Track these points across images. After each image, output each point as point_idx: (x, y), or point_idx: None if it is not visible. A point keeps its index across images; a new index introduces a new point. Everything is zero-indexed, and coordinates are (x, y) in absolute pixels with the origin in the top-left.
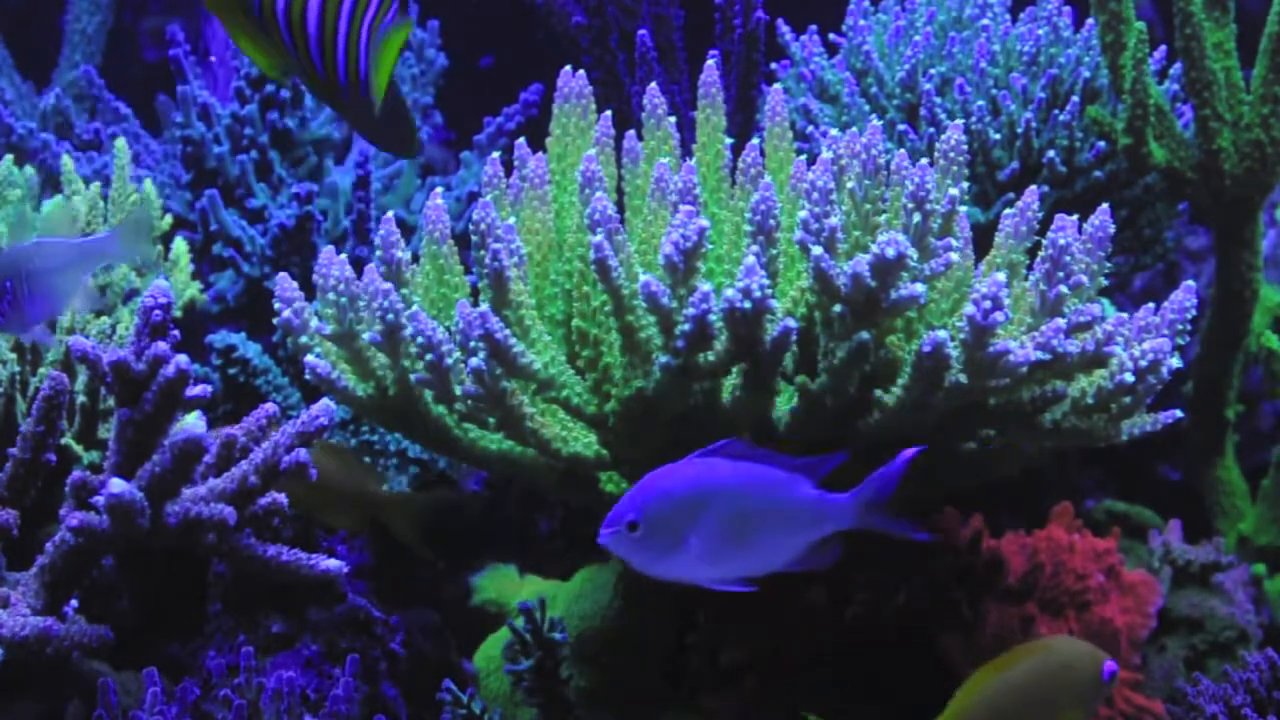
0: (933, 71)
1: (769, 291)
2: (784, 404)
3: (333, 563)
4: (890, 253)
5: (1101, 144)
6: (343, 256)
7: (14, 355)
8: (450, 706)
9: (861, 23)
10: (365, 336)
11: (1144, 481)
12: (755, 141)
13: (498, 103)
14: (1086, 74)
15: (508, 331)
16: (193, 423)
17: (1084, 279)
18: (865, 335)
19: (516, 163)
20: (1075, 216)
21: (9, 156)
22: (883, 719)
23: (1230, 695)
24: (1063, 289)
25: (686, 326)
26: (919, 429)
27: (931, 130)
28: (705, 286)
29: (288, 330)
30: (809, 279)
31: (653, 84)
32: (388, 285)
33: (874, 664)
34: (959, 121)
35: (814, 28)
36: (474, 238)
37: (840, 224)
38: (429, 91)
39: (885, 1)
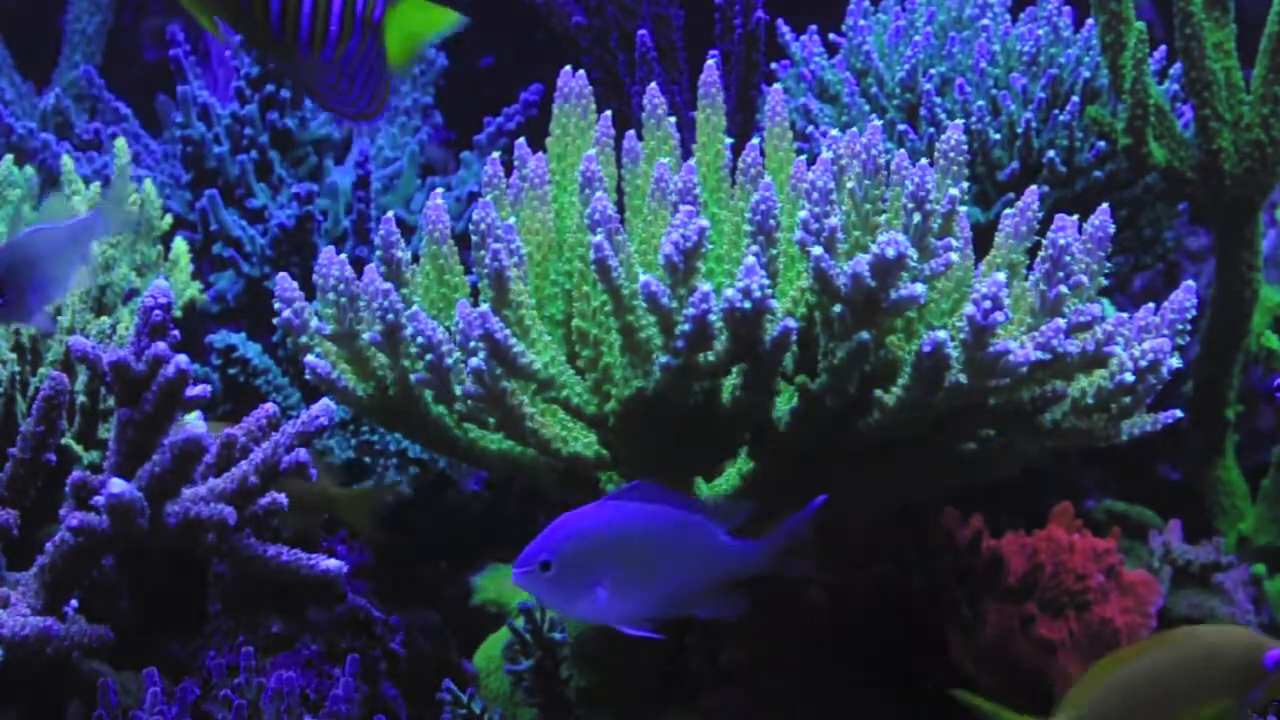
0: (933, 71)
1: (769, 291)
2: (784, 404)
3: (333, 563)
4: (890, 253)
5: (1101, 144)
6: (343, 256)
7: (14, 355)
8: (450, 706)
9: (861, 23)
10: (365, 336)
11: (1144, 481)
12: (755, 141)
13: (498, 103)
14: (1086, 74)
15: (508, 331)
16: (193, 422)
17: (1084, 279)
18: (865, 335)
19: (516, 163)
20: (1075, 216)
21: (9, 156)
22: (882, 719)
23: None
24: (1063, 289)
25: (686, 326)
26: (919, 429)
27: (931, 130)
28: (705, 286)
29: (288, 330)
30: (809, 279)
31: (653, 84)
32: (388, 285)
33: (874, 663)
34: (959, 121)
35: (814, 28)
36: (474, 238)
37: (840, 224)
38: (429, 91)
39: (885, 1)
